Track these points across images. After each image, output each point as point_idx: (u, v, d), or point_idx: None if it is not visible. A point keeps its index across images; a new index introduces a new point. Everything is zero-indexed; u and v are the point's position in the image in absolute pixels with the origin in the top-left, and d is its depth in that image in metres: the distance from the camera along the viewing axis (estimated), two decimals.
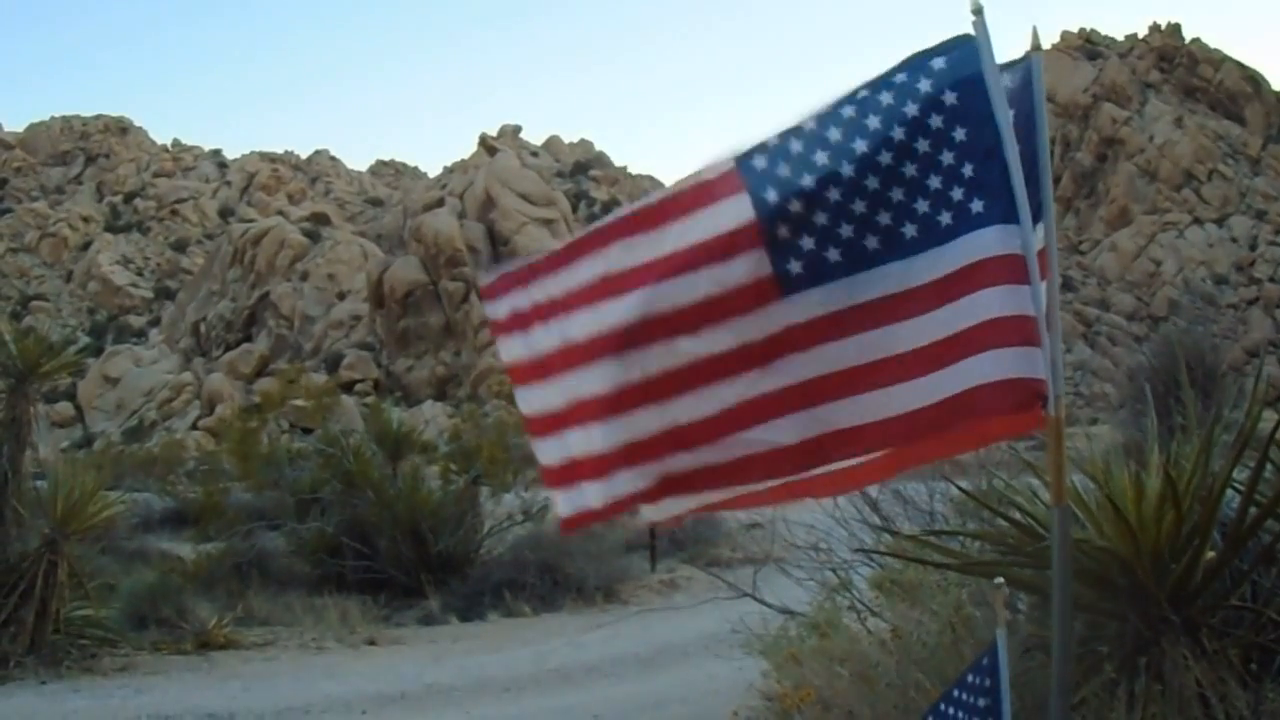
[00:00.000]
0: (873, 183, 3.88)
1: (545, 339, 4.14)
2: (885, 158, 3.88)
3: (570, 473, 4.16)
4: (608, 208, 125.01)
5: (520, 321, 4.18)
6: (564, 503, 4.19)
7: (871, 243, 3.90)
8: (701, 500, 4.29)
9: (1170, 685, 5.04)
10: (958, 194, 3.82)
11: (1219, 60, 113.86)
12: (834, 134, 3.94)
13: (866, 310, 3.90)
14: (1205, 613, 5.28)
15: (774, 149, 3.98)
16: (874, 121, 3.90)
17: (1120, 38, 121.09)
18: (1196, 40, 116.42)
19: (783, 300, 3.93)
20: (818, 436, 3.95)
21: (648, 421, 4.02)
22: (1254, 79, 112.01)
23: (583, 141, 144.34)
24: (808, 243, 3.90)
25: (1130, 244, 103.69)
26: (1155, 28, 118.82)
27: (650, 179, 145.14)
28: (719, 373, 3.98)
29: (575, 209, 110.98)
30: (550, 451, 4.20)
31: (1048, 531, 5.58)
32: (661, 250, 4.00)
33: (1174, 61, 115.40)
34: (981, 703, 3.90)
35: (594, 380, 4.04)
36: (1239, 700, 4.94)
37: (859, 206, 3.89)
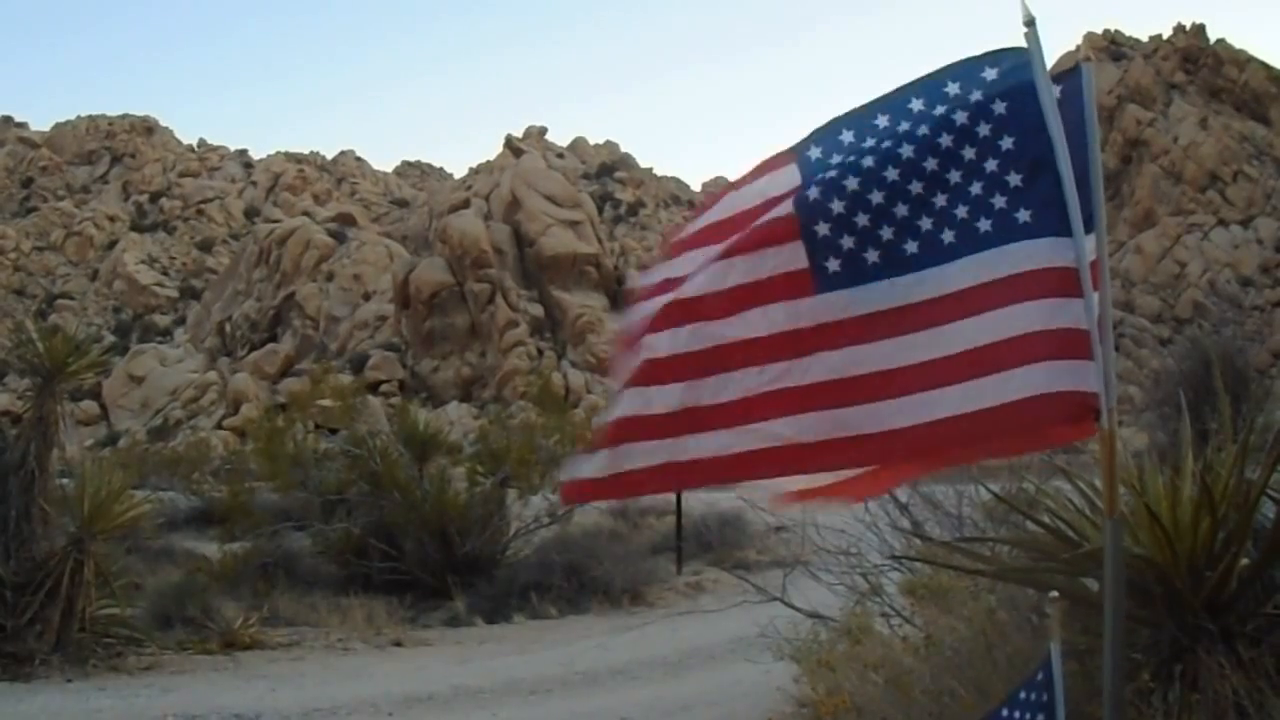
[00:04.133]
0: (916, 187, 3.90)
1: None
2: (931, 163, 3.90)
3: (596, 440, 4.25)
4: (633, 210, 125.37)
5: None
6: (571, 469, 4.30)
7: (911, 247, 3.91)
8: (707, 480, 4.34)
9: (1206, 693, 5.01)
10: (1000, 202, 3.81)
11: (1244, 61, 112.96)
12: (883, 139, 3.96)
13: (903, 314, 3.92)
14: (1241, 620, 5.24)
15: (828, 138, 4.05)
16: (923, 129, 3.90)
17: (1145, 38, 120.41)
18: (1221, 41, 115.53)
19: (816, 297, 3.96)
20: (843, 438, 3.95)
21: (667, 398, 4.07)
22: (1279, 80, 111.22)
23: (608, 143, 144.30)
24: (847, 242, 3.93)
25: (1155, 246, 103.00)
26: (1180, 28, 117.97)
27: (676, 180, 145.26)
28: (746, 360, 4.02)
29: (601, 211, 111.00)
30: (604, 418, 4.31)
31: (1079, 536, 5.55)
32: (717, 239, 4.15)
33: (1199, 62, 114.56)
34: (1038, 718, 3.86)
35: (637, 355, 4.15)
36: (1275, 708, 4.90)
37: (901, 210, 3.91)
